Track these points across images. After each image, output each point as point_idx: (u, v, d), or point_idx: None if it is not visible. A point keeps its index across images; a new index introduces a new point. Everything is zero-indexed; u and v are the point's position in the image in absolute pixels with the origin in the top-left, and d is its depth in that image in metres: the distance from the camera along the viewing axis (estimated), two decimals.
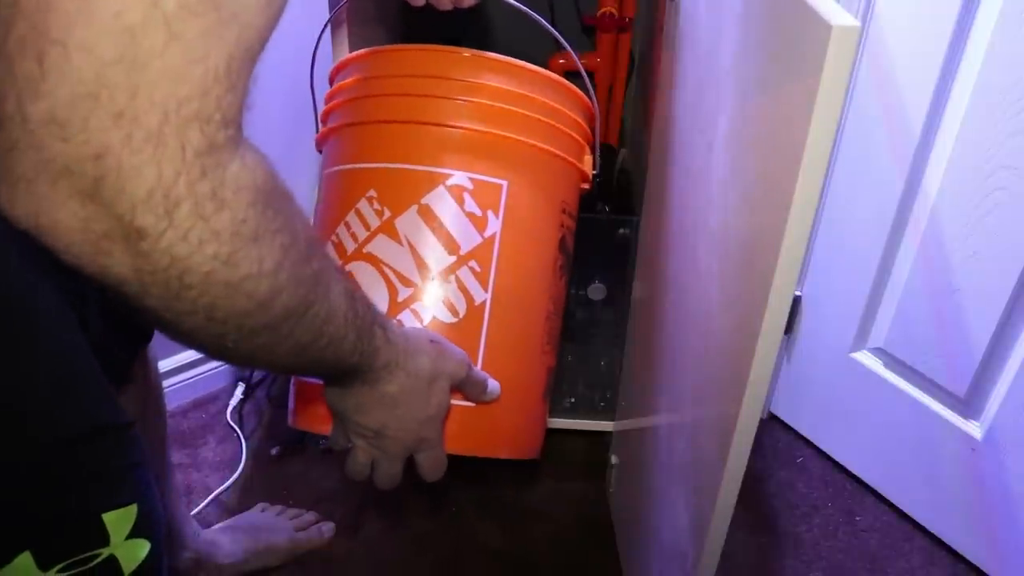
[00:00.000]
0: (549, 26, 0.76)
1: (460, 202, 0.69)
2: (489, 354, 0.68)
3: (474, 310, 0.68)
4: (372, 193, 0.70)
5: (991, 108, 0.91)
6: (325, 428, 0.63)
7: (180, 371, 1.31)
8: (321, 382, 0.58)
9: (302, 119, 1.23)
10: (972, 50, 0.92)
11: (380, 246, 0.68)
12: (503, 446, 0.71)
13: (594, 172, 0.80)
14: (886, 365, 1.15)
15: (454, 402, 0.64)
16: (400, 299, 0.67)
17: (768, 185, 0.52)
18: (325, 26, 0.83)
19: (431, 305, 0.67)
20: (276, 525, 1.11)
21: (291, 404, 0.72)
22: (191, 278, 0.36)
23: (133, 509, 0.55)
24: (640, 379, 0.98)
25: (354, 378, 0.53)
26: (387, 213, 0.68)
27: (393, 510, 1.17)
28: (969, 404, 1.05)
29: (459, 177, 0.69)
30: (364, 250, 0.68)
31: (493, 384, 0.66)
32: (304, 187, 1.21)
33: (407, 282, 0.67)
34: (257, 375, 1.37)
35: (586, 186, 0.81)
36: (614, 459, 1.14)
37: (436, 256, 0.68)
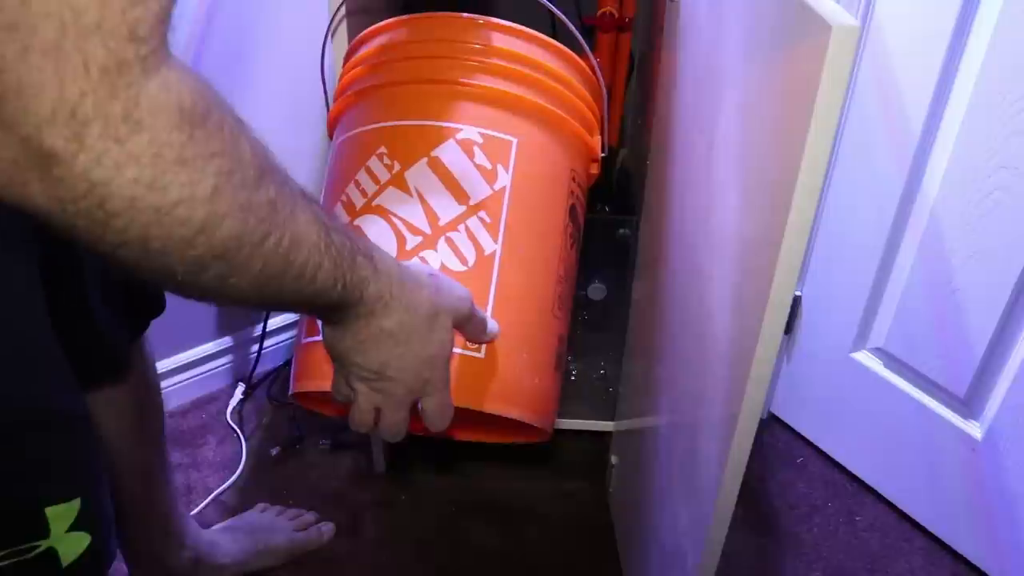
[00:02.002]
0: (568, 21, 0.78)
1: (470, 155, 0.69)
2: (499, 305, 0.66)
3: (484, 260, 0.67)
4: (382, 150, 0.70)
5: (991, 108, 0.91)
6: (326, 383, 0.61)
7: (180, 371, 1.31)
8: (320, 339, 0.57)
9: (303, 117, 1.23)
10: (972, 50, 0.92)
11: (389, 197, 0.68)
12: (515, 405, 0.68)
13: (603, 154, 0.81)
14: (886, 365, 1.15)
15: (464, 352, 0.63)
16: (408, 247, 0.66)
17: (768, 185, 0.52)
18: (333, 18, 0.83)
19: (440, 253, 0.66)
20: (276, 525, 1.11)
21: (292, 373, 0.71)
22: (114, 205, 0.34)
23: (76, 504, 0.55)
24: (640, 379, 0.98)
25: (345, 313, 0.51)
26: (397, 166, 0.68)
27: (392, 510, 1.17)
28: (969, 404, 1.05)
29: (469, 131, 0.69)
30: (373, 203, 0.68)
31: (493, 324, 0.64)
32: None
33: (416, 231, 0.66)
34: (257, 375, 1.37)
35: (595, 170, 0.81)
36: (614, 459, 1.14)
37: (445, 205, 0.67)
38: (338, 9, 0.84)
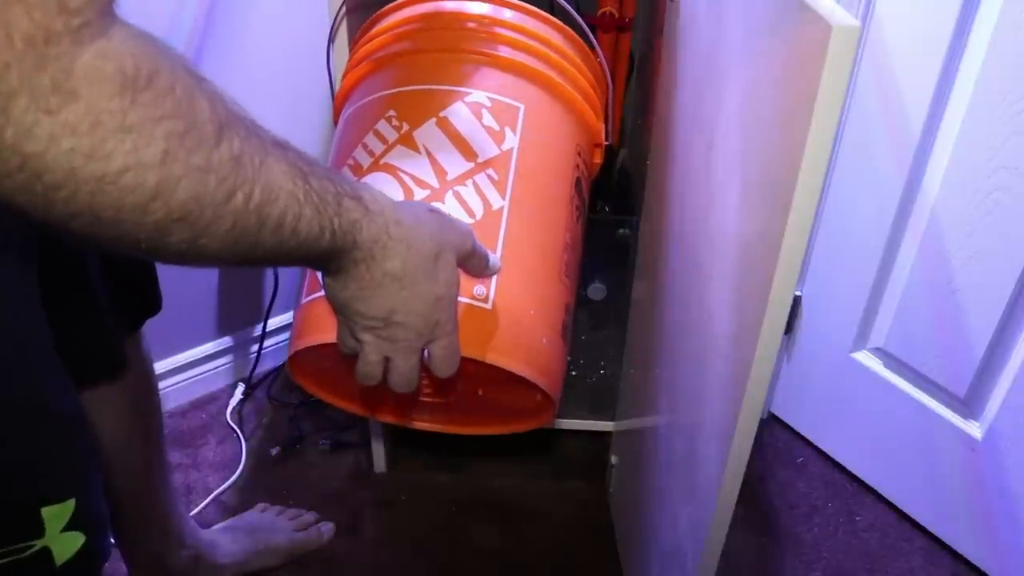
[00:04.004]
0: (573, 12, 0.79)
1: (479, 117, 0.69)
2: (506, 259, 0.65)
3: (491, 214, 0.66)
4: (391, 113, 0.70)
5: (991, 108, 0.91)
6: (329, 335, 0.59)
7: (180, 371, 1.31)
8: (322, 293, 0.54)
9: (302, 116, 1.23)
10: (972, 50, 0.92)
11: (397, 155, 0.68)
12: (522, 362, 0.65)
13: (607, 143, 0.81)
14: (886, 365, 1.15)
15: (470, 302, 0.62)
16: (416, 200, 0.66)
17: (768, 185, 0.52)
18: (340, 10, 0.84)
19: (447, 205, 0.65)
20: (276, 525, 1.11)
21: (290, 337, 0.69)
22: (53, 177, 0.33)
23: (71, 504, 0.55)
24: (640, 379, 0.98)
25: (342, 260, 0.49)
26: (405, 127, 0.69)
27: (392, 510, 1.17)
28: (969, 404, 1.05)
29: (478, 95, 0.70)
30: (381, 162, 0.68)
31: (494, 258, 0.61)
32: None
33: (423, 185, 0.66)
34: (257, 375, 1.37)
35: (598, 158, 0.82)
36: (614, 459, 1.14)
37: (453, 162, 0.67)
38: (340, 9, 0.85)
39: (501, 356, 0.63)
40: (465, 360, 0.59)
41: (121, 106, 0.34)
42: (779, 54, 0.50)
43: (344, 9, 0.85)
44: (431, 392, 0.73)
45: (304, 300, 0.68)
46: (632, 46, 1.20)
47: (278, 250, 0.43)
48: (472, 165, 0.67)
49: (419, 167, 0.67)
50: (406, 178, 0.66)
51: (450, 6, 0.76)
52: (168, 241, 0.38)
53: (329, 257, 0.48)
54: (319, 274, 0.53)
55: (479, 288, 0.63)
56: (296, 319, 0.69)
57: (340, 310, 0.53)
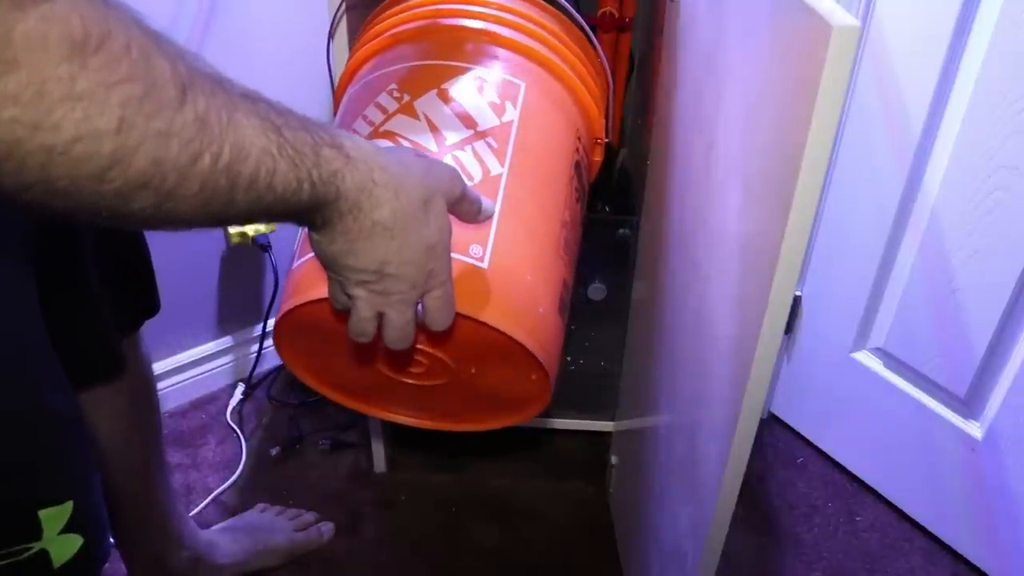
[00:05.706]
0: (575, 13, 0.80)
1: (480, 90, 0.70)
2: (503, 223, 0.64)
3: (489, 179, 0.65)
4: (393, 86, 0.71)
5: (991, 108, 0.91)
6: (320, 290, 0.57)
7: (180, 371, 1.31)
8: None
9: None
10: (972, 50, 0.92)
11: (397, 123, 0.68)
12: (518, 326, 0.62)
13: (607, 139, 0.82)
14: (886, 365, 1.15)
15: (466, 259, 0.60)
16: None
17: (768, 185, 0.52)
18: (339, 8, 0.84)
19: None
20: (275, 525, 1.11)
21: (281, 298, 0.68)
22: None
23: (69, 506, 0.55)
24: (640, 379, 0.98)
25: (326, 212, 0.47)
26: (406, 97, 0.69)
27: (392, 510, 1.17)
28: (969, 404, 1.05)
29: (479, 71, 0.72)
30: (381, 129, 0.68)
31: (487, 202, 0.60)
32: None
33: (422, 149, 0.66)
34: (257, 375, 1.37)
35: (598, 156, 0.82)
36: (614, 459, 1.14)
37: (453, 129, 0.67)
38: (339, 7, 0.85)
39: (497, 316, 0.61)
40: (458, 326, 0.58)
41: (69, 73, 0.33)
42: (779, 54, 0.50)
43: (344, 7, 0.85)
44: (423, 372, 0.71)
45: (292, 266, 0.66)
46: (632, 46, 1.20)
47: (255, 207, 0.42)
48: (471, 132, 0.67)
49: (418, 133, 0.67)
50: (405, 143, 0.66)
51: None
52: (131, 208, 0.37)
53: (313, 210, 0.46)
54: (309, 232, 0.51)
55: (475, 247, 0.61)
56: (285, 285, 0.67)
57: (330, 266, 0.51)
